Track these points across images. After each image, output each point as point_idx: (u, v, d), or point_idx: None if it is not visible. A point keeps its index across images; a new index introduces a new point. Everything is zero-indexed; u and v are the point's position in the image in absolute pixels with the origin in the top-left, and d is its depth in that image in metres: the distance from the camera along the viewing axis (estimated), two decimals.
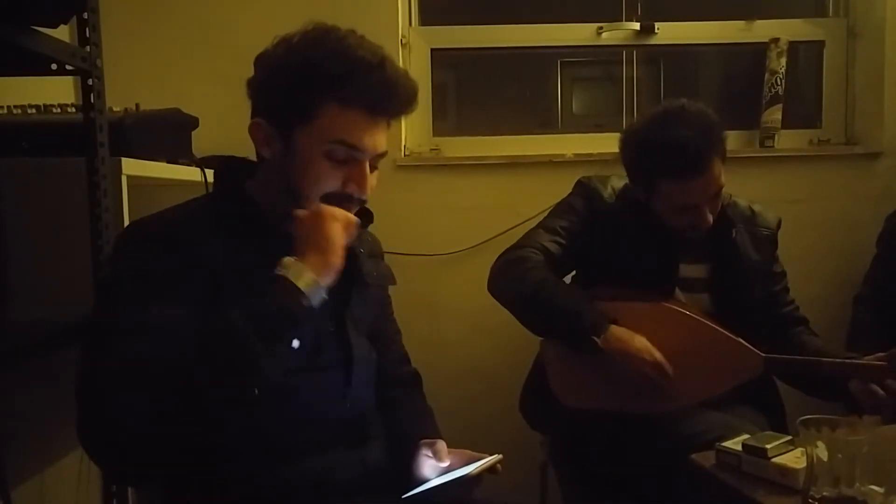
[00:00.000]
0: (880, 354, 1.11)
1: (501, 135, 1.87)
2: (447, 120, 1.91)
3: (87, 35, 0.94)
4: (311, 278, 0.76)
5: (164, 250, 0.79)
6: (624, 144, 1.26)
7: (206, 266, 0.79)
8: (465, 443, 1.18)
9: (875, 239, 1.61)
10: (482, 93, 1.97)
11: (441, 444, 0.93)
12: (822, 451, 0.68)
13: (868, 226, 1.66)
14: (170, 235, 0.80)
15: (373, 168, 0.86)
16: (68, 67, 0.92)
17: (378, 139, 0.84)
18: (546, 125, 1.94)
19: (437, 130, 1.84)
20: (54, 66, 0.91)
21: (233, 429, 0.75)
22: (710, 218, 1.21)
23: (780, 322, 1.35)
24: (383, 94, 0.82)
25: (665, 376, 1.14)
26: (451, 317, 1.78)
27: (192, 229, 0.82)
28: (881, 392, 1.09)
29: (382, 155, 0.87)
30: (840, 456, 0.68)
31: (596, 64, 1.94)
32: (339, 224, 0.80)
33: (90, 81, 0.96)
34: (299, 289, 0.74)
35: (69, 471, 1.23)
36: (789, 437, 0.87)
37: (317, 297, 0.76)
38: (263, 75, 0.85)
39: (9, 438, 0.98)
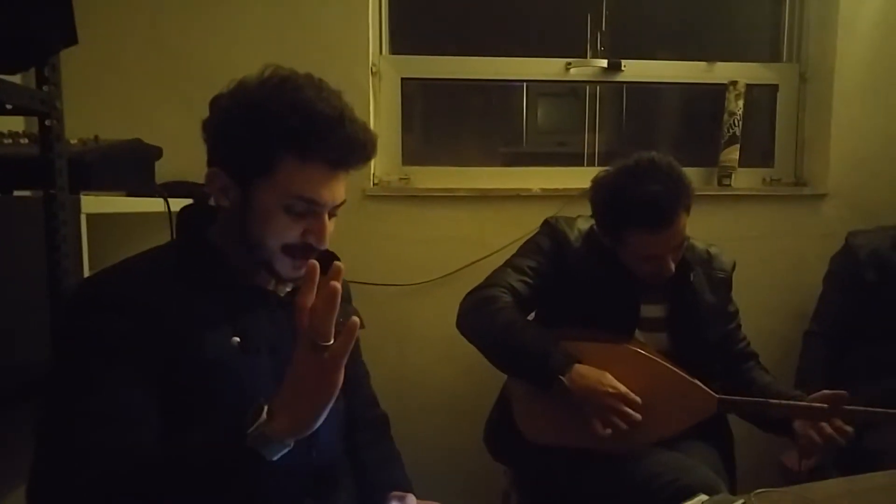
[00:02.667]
0: (826, 393, 1.18)
1: (469, 159, 1.88)
2: (415, 141, 1.90)
3: (47, 75, 0.90)
4: (284, 442, 0.71)
5: (121, 317, 0.76)
6: (594, 194, 1.29)
7: (168, 325, 0.78)
8: (430, 469, 1.17)
9: (821, 277, 1.70)
10: (449, 111, 1.97)
11: (411, 499, 0.93)
12: None
13: (815, 263, 1.75)
14: (128, 299, 0.78)
15: (331, 216, 0.87)
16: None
17: (337, 191, 0.85)
18: (511, 142, 1.97)
19: (407, 157, 1.84)
20: (10, 107, 0.87)
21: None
22: (673, 267, 1.26)
23: (733, 358, 1.41)
24: (344, 150, 0.82)
25: (634, 406, 1.16)
26: (418, 346, 1.78)
27: (152, 287, 0.80)
28: (818, 438, 1.16)
29: (341, 204, 0.87)
30: None
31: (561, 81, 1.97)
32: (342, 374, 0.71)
33: (48, 122, 0.91)
34: (262, 455, 0.70)
35: None
36: (742, 500, 0.91)
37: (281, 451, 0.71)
38: (219, 121, 0.83)
39: None
